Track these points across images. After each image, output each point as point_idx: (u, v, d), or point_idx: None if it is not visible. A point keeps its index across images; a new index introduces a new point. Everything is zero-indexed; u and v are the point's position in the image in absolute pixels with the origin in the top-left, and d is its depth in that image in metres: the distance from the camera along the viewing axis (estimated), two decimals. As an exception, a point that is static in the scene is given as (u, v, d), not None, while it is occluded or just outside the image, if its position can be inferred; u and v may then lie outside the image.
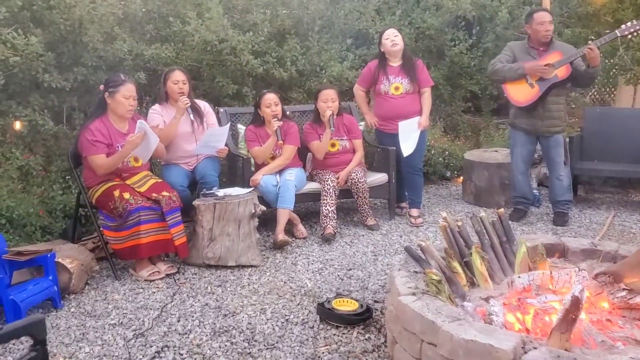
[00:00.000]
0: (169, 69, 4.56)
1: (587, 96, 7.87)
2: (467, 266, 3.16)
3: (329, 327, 3.13)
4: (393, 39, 4.84)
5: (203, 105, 4.69)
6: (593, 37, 5.22)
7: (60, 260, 3.51)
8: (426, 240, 3.16)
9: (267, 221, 4.77)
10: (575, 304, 2.43)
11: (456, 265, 3.08)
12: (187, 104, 4.35)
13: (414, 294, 2.72)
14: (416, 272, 3.00)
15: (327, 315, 3.17)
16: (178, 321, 3.23)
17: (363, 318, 3.15)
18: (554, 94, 4.66)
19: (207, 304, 3.44)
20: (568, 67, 4.56)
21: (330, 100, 4.74)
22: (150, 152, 3.99)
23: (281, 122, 4.57)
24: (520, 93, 4.72)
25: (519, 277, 2.93)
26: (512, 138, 5.03)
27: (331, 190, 4.63)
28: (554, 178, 4.91)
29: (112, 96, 3.86)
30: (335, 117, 4.73)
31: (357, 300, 3.26)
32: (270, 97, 4.63)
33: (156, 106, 4.53)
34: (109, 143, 3.86)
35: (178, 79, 4.42)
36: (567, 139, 5.16)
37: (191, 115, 4.42)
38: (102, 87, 3.96)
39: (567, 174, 4.90)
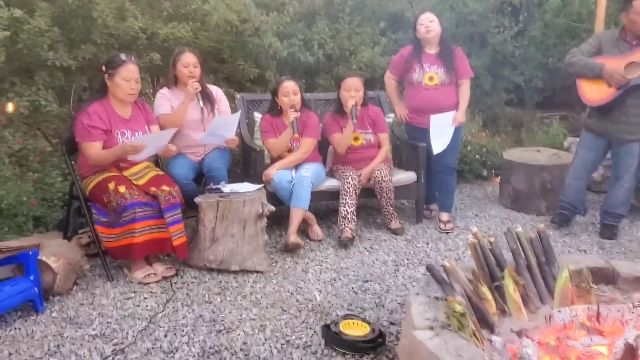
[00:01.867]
0: (179, 51, 4.17)
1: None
2: (498, 290, 2.72)
3: (334, 354, 2.72)
4: (428, 25, 4.34)
5: (215, 90, 4.31)
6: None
7: (44, 258, 3.19)
8: (451, 259, 2.73)
9: (281, 219, 4.38)
10: (630, 354, 1.99)
11: (485, 290, 2.64)
12: (197, 89, 3.98)
13: (431, 327, 2.30)
14: (437, 298, 2.57)
15: (333, 339, 2.76)
16: (165, 336, 2.87)
17: (374, 345, 2.74)
18: (636, 97, 4.03)
19: (201, 316, 3.07)
20: None
21: (354, 89, 4.29)
22: (153, 152, 3.70)
23: (298, 114, 4.15)
24: (594, 91, 4.11)
25: (559, 311, 2.48)
26: (580, 138, 4.46)
27: (351, 190, 4.20)
28: (615, 187, 4.35)
29: (111, 78, 3.51)
30: (359, 108, 4.28)
31: (368, 323, 2.84)
32: (289, 85, 4.21)
33: (164, 90, 4.16)
34: (108, 129, 3.51)
35: (189, 62, 4.04)
36: None
37: (201, 102, 4.04)
38: (103, 68, 3.61)
39: (630, 187, 4.32)
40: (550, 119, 7.34)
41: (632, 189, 4.35)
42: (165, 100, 4.09)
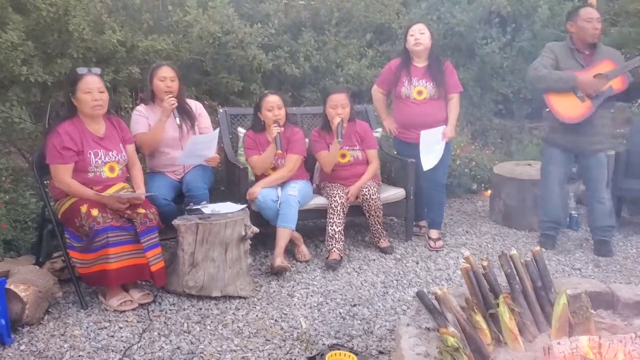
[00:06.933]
0: (156, 65, 4.01)
1: (635, 104, 7.11)
2: (493, 318, 2.58)
3: (320, 388, 2.57)
4: (418, 37, 4.21)
5: (195, 106, 4.14)
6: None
7: (12, 287, 3.00)
8: (443, 286, 2.60)
9: (266, 238, 4.21)
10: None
11: (479, 319, 2.50)
12: (174, 104, 3.80)
13: (423, 364, 2.15)
14: (428, 329, 2.42)
15: (319, 373, 2.60)
16: (140, 370, 2.70)
17: (362, 379, 2.58)
18: (600, 107, 4.02)
19: (179, 347, 2.89)
20: (624, 78, 3.93)
21: (340, 106, 4.14)
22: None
23: (281, 129, 4.00)
24: (569, 108, 4.04)
25: (559, 343, 2.33)
26: (545, 155, 4.37)
27: (339, 208, 4.05)
28: (594, 201, 4.26)
29: (75, 96, 3.33)
30: (345, 125, 4.13)
31: (356, 354, 2.68)
32: (273, 100, 4.06)
33: (141, 107, 4.00)
34: (79, 150, 3.32)
35: (165, 76, 3.88)
36: (614, 155, 4.55)
37: (177, 119, 3.85)
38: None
39: (609, 197, 4.27)
40: (539, 129, 7.23)
41: (611, 198, 4.30)
42: (142, 119, 3.92)
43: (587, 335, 2.39)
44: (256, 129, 4.18)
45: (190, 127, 3.96)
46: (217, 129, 4.14)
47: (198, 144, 3.82)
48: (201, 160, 3.89)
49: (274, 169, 4.15)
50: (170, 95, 3.80)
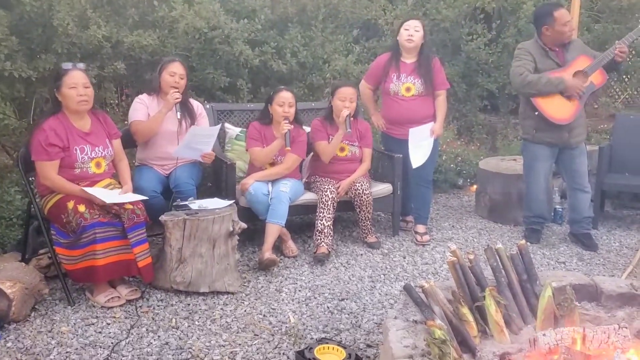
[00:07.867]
0: (169, 59, 4.03)
1: (617, 100, 7.21)
2: (479, 311, 2.61)
3: (308, 382, 2.58)
4: (412, 34, 4.23)
5: (197, 106, 4.14)
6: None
7: (-2, 284, 2.99)
8: (430, 279, 2.62)
9: (254, 234, 4.22)
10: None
11: (466, 312, 2.53)
12: (177, 99, 3.80)
13: (410, 357, 2.16)
14: (416, 321, 2.44)
15: (307, 366, 2.62)
16: (128, 366, 2.70)
17: (350, 372, 2.60)
18: None
19: (167, 343, 2.89)
20: (602, 72, 4.02)
21: (348, 99, 4.17)
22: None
23: (292, 126, 4.01)
24: (559, 109, 4.09)
25: (544, 334, 2.36)
26: (529, 152, 4.38)
27: (329, 203, 4.06)
28: (578, 190, 4.32)
29: (60, 92, 3.31)
30: (352, 119, 4.16)
31: (344, 348, 2.70)
32: (286, 96, 4.06)
33: (143, 96, 4.00)
34: (65, 146, 3.29)
35: (175, 72, 3.89)
36: (597, 150, 4.64)
37: (178, 114, 3.85)
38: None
39: (590, 189, 4.37)
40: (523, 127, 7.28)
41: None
42: (142, 106, 3.92)
43: (571, 326, 2.43)
44: (263, 121, 4.18)
45: (190, 124, 3.95)
46: (219, 125, 4.14)
47: (197, 136, 3.81)
48: (197, 155, 3.88)
49: (272, 164, 4.15)
50: (176, 90, 3.80)
